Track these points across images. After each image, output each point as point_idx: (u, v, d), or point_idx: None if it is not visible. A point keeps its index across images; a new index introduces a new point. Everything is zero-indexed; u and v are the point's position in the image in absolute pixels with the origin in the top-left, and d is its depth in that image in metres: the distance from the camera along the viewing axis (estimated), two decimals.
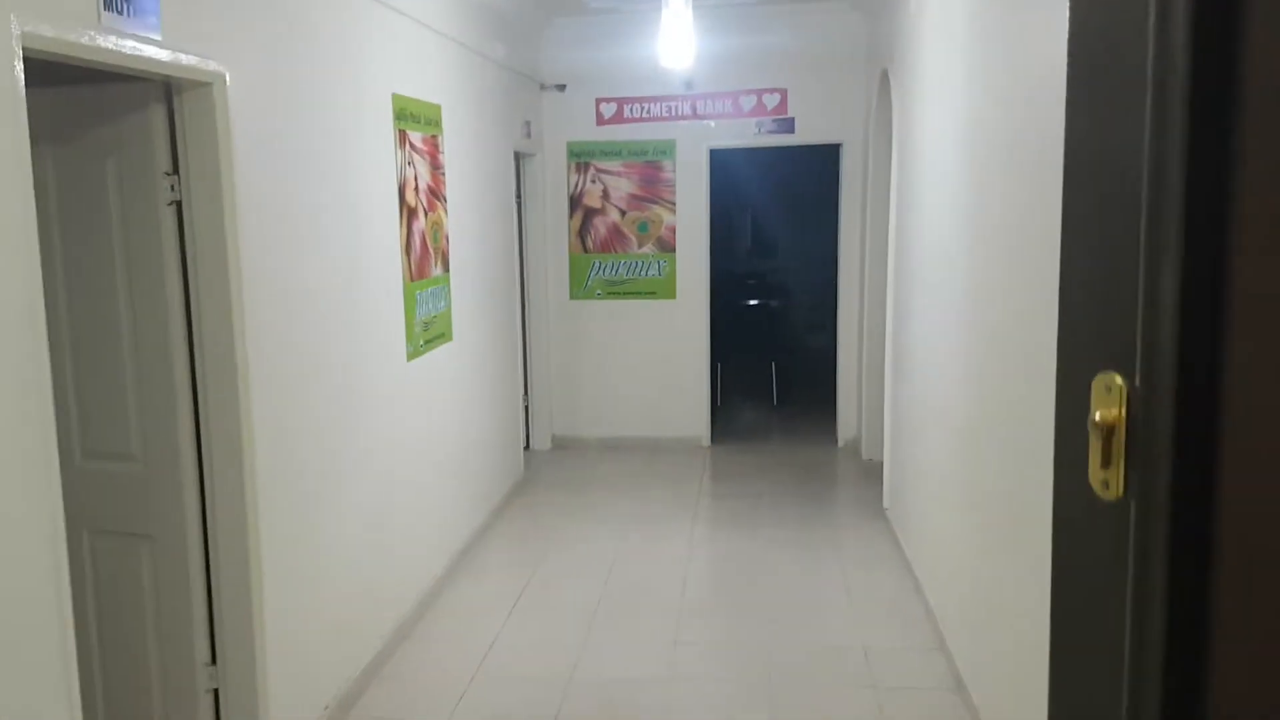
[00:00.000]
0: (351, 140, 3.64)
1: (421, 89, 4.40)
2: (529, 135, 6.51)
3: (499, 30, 5.74)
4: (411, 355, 4.24)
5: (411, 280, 4.24)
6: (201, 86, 2.70)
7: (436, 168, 4.59)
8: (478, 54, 5.30)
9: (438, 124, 4.61)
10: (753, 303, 9.59)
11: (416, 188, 4.31)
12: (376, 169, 3.88)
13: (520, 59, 6.26)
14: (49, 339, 2.88)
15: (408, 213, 4.20)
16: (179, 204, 2.76)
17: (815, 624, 4.23)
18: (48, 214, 2.79)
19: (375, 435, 3.84)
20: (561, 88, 6.87)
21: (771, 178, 9.75)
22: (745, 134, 6.89)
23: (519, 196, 6.60)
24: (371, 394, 3.80)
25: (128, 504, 2.91)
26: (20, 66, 1.88)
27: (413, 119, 4.27)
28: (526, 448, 6.86)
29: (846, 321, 7.02)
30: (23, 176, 1.92)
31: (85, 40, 2.07)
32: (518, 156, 6.45)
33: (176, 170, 2.75)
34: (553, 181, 6.98)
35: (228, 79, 2.75)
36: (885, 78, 5.70)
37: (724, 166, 7.18)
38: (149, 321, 2.80)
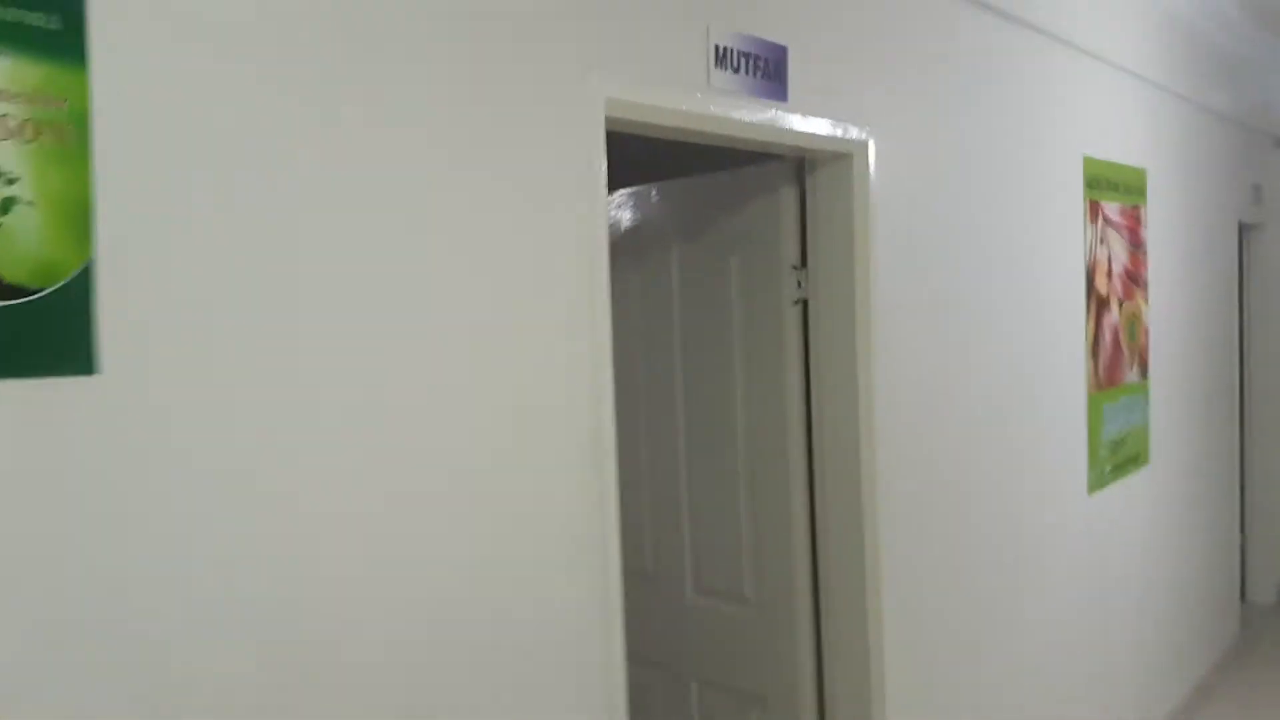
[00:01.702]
0: (1026, 215, 2.89)
1: (1119, 149, 3.48)
2: (1258, 201, 5.06)
3: (1220, 72, 4.51)
4: (1094, 486, 3.29)
5: (1098, 389, 3.30)
6: (839, 160, 2.20)
7: (1136, 246, 3.59)
8: (1191, 103, 4.17)
9: (1141, 192, 3.62)
10: None
11: (1109, 271, 3.38)
12: (1058, 250, 3.07)
13: (1247, 107, 4.89)
14: (669, 453, 2.63)
15: (1096, 303, 3.29)
16: (805, 302, 2.29)
17: None
18: (672, 319, 2.52)
19: (1033, 588, 2.97)
20: None
21: None
22: None
23: (1240, 278, 5.16)
24: (1033, 536, 2.95)
25: (738, 654, 2.47)
26: (602, 139, 1.50)
27: (1108, 186, 3.37)
28: (1241, 599, 5.25)
29: None
30: (600, 275, 1.54)
31: (688, 107, 1.66)
32: (1241, 228, 5.05)
33: (805, 263, 2.29)
34: None
35: (871, 148, 2.22)
36: None
37: None
38: (766, 438, 2.35)
